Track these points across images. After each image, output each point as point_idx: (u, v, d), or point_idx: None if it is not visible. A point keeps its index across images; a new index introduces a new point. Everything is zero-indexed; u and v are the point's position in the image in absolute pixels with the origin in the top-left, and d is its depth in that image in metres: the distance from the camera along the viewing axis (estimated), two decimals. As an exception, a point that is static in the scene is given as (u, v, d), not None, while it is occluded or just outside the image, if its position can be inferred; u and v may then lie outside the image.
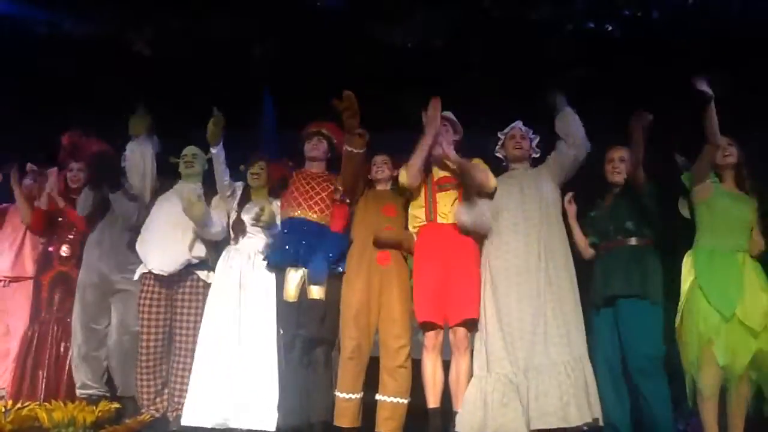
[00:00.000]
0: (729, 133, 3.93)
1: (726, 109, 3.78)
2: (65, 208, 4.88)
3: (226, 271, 4.40)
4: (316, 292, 4.21)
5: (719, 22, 4.59)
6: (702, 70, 3.89)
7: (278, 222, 4.39)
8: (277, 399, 4.15)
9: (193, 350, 4.34)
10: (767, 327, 3.74)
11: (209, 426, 4.14)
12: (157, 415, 4.38)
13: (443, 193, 4.18)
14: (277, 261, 4.31)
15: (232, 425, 4.19)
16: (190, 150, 4.78)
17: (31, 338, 4.77)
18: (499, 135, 4.37)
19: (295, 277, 4.25)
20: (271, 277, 4.35)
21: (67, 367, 4.68)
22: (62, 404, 3.92)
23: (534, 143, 4.33)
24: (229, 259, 4.43)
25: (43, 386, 4.62)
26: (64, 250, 4.87)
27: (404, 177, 4.18)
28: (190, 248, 4.46)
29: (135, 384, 4.46)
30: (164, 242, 4.46)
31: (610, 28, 4.91)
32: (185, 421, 4.17)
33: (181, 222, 4.43)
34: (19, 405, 4.03)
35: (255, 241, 4.43)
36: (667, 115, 4.02)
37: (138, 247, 4.54)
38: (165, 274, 4.42)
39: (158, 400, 4.44)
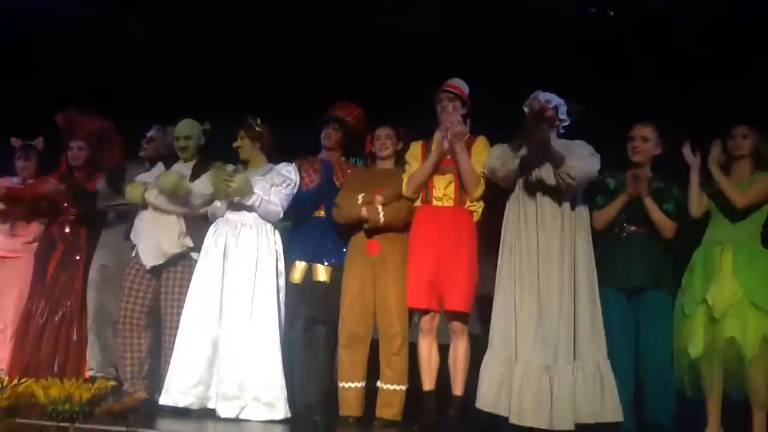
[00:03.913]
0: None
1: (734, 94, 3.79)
2: (58, 188, 4.84)
3: (212, 242, 4.31)
4: (321, 274, 4.30)
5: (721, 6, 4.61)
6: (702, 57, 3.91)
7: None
8: (250, 381, 4.08)
9: None
10: (733, 314, 3.78)
11: (182, 406, 4.07)
12: (135, 392, 4.27)
13: (441, 176, 4.14)
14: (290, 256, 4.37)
15: (210, 406, 4.13)
16: (182, 131, 4.59)
17: (30, 315, 4.79)
18: (523, 108, 4.02)
19: (302, 262, 4.33)
20: (254, 250, 4.24)
21: (65, 346, 4.72)
22: (59, 381, 3.91)
23: (560, 112, 3.89)
24: (216, 230, 4.33)
25: (41, 363, 4.65)
26: (66, 228, 4.87)
27: (405, 187, 4.16)
28: (179, 237, 4.44)
29: (116, 358, 4.47)
30: (153, 234, 4.44)
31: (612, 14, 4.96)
32: (161, 401, 4.11)
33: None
34: (15, 381, 4.02)
35: (243, 212, 4.32)
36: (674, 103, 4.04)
37: (132, 237, 4.54)
38: (156, 265, 4.43)
39: (136, 378, 4.38)
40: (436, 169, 4.12)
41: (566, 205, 3.92)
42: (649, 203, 4.01)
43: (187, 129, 4.60)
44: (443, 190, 4.13)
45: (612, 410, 3.75)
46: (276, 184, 4.34)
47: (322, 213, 4.44)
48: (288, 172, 4.40)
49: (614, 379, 3.80)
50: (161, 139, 4.86)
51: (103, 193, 4.77)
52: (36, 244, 5.02)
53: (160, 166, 4.66)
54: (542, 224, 3.89)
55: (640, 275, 3.98)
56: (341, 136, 4.54)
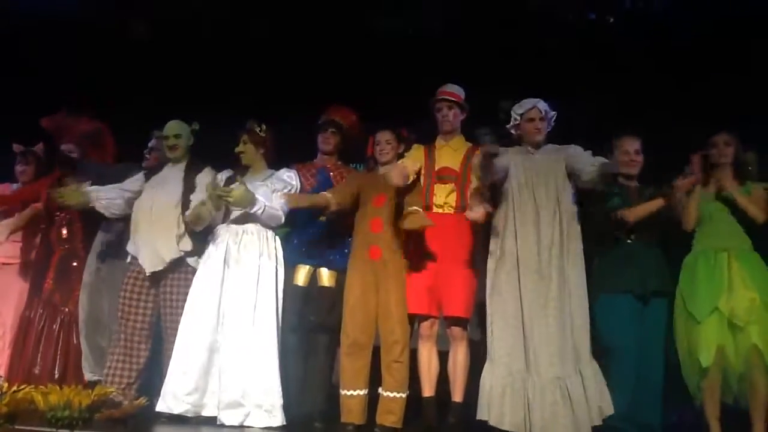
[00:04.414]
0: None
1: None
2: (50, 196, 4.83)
3: (213, 249, 4.27)
4: (327, 279, 4.26)
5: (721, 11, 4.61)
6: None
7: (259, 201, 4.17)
8: (252, 388, 4.04)
9: None
10: (755, 321, 3.79)
11: (177, 412, 4.04)
12: (126, 401, 4.21)
13: (442, 185, 4.13)
14: (292, 260, 4.32)
15: (206, 413, 4.09)
16: (171, 130, 4.51)
17: (29, 322, 4.77)
18: (513, 113, 4.10)
19: (305, 266, 4.29)
20: (257, 257, 4.21)
21: (65, 352, 4.69)
22: (58, 387, 3.91)
23: (552, 121, 4.10)
24: (217, 237, 4.30)
25: (41, 370, 4.63)
26: (64, 233, 4.87)
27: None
28: (178, 242, 4.36)
29: (105, 367, 4.37)
30: (152, 240, 4.36)
31: (611, 20, 4.96)
32: (158, 408, 4.07)
33: (167, 215, 4.36)
34: (14, 388, 4.02)
35: (244, 217, 4.25)
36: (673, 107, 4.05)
37: (129, 247, 4.47)
38: (156, 270, 4.36)
39: (128, 389, 4.30)
40: (438, 178, 4.12)
41: (563, 213, 3.93)
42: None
43: (176, 128, 4.53)
44: (444, 198, 4.12)
45: (608, 405, 3.81)
46: (277, 190, 4.30)
47: (323, 217, 4.37)
48: (289, 178, 4.38)
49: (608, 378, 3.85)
50: (161, 149, 4.84)
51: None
52: (35, 250, 5.00)
53: (168, 167, 4.58)
54: (540, 234, 3.89)
55: (653, 280, 3.99)
56: (339, 140, 4.50)
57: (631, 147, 4.14)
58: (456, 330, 4.04)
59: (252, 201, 4.14)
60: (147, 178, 4.56)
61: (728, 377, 3.83)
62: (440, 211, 4.11)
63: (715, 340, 3.81)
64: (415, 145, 4.27)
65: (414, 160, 4.18)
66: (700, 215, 4.03)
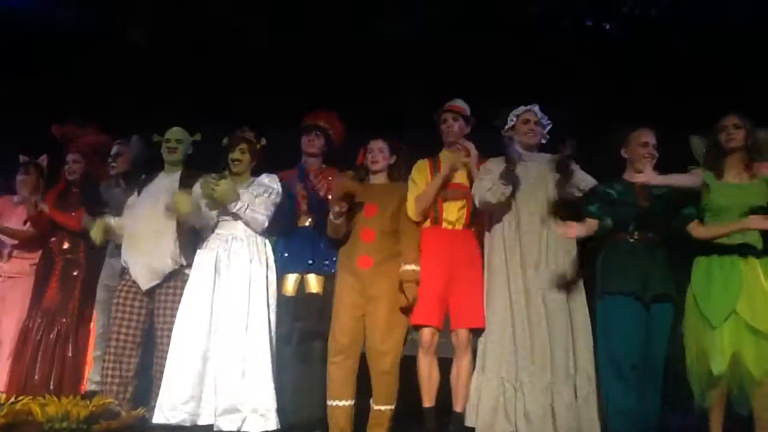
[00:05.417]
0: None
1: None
2: (54, 211, 4.82)
3: (203, 257, 4.25)
4: (314, 286, 4.25)
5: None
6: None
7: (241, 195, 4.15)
8: (247, 393, 4.01)
9: None
10: None
11: (175, 422, 4.00)
12: (123, 411, 4.20)
13: (452, 202, 4.10)
14: (278, 270, 4.29)
15: (201, 422, 4.06)
16: (174, 134, 4.52)
17: (27, 332, 4.75)
18: (510, 115, 4.11)
19: (293, 274, 4.28)
20: (247, 261, 4.18)
21: (61, 363, 4.67)
22: (56, 399, 3.91)
23: (546, 129, 4.11)
24: (207, 245, 4.28)
25: (37, 381, 4.60)
26: (66, 244, 4.86)
27: (412, 210, 4.09)
28: (173, 257, 4.35)
29: (101, 375, 4.36)
30: (147, 253, 4.34)
31: (608, 26, 4.96)
32: (155, 419, 4.04)
33: (164, 226, 4.34)
34: (12, 399, 4.02)
35: (233, 224, 4.25)
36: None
37: (123, 253, 4.45)
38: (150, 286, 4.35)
39: (121, 399, 4.27)
40: (446, 196, 4.10)
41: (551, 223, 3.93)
42: None
43: (179, 133, 4.54)
44: (456, 213, 4.10)
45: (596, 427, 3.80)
46: (259, 194, 4.28)
47: (307, 222, 4.37)
48: (270, 182, 4.34)
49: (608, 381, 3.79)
50: (130, 151, 4.82)
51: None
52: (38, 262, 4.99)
53: (162, 177, 4.55)
54: (528, 246, 3.90)
55: (657, 283, 3.79)
56: (323, 143, 4.47)
57: (650, 139, 3.88)
58: (462, 339, 4.00)
59: (235, 198, 4.14)
60: (139, 191, 4.55)
61: (745, 386, 3.59)
62: (450, 227, 4.10)
63: (730, 347, 3.58)
64: (420, 161, 4.24)
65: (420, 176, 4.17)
66: (711, 209, 3.75)
